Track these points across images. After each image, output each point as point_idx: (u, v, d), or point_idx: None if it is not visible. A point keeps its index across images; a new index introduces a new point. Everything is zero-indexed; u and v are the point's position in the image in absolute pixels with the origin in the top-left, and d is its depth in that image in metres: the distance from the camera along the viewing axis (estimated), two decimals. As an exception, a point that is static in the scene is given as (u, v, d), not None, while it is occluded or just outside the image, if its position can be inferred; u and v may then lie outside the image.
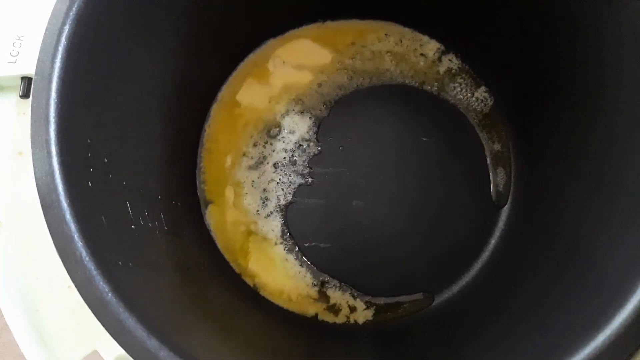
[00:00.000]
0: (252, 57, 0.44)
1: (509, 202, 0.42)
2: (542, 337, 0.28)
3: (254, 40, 0.44)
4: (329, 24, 0.44)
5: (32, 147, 0.25)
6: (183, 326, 0.28)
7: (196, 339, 0.27)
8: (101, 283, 0.24)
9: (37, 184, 0.25)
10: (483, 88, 0.43)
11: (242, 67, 0.44)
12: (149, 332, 0.24)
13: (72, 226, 0.24)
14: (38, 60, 0.26)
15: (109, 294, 0.24)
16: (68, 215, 0.24)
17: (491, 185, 0.42)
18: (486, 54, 0.42)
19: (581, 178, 0.33)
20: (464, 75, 0.43)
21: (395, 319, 0.41)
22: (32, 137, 0.25)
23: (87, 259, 0.24)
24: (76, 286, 0.24)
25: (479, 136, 0.43)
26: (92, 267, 0.24)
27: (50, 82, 0.26)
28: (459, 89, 0.43)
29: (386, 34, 0.44)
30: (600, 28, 0.30)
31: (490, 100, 0.43)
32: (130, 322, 0.24)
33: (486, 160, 0.43)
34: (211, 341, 0.29)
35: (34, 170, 0.25)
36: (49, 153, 0.25)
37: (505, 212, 0.42)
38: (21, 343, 0.30)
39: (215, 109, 0.44)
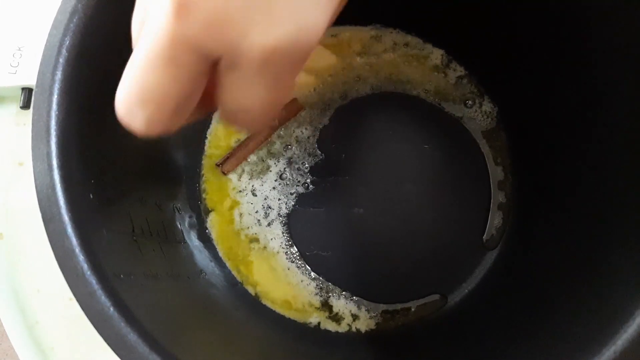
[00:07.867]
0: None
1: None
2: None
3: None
4: (334, 30, 0.44)
5: (32, 160, 0.25)
6: (185, 339, 0.28)
7: (198, 352, 0.27)
8: (103, 297, 0.24)
9: (38, 197, 0.25)
10: (487, 99, 0.43)
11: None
12: (150, 348, 0.23)
13: (74, 240, 0.24)
14: (39, 72, 0.26)
15: (111, 309, 0.24)
16: (69, 229, 0.24)
17: (491, 187, 0.42)
18: (492, 64, 0.41)
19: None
20: (468, 85, 0.43)
21: (397, 327, 0.40)
22: (32, 149, 0.25)
23: (88, 273, 0.24)
24: (78, 300, 0.24)
25: (479, 145, 0.42)
26: (94, 282, 0.24)
27: (51, 94, 0.25)
28: (463, 99, 0.43)
29: (391, 42, 0.44)
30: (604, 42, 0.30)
31: (494, 113, 0.43)
32: (132, 337, 0.23)
33: (487, 168, 0.42)
34: (213, 354, 0.29)
35: (35, 183, 0.25)
36: (50, 166, 0.25)
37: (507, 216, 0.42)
38: (21, 354, 0.30)
39: (216, 115, 0.43)
